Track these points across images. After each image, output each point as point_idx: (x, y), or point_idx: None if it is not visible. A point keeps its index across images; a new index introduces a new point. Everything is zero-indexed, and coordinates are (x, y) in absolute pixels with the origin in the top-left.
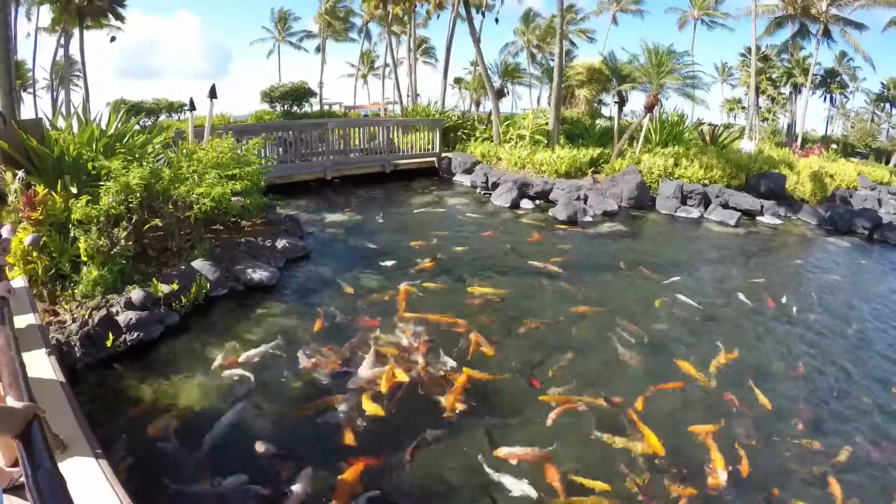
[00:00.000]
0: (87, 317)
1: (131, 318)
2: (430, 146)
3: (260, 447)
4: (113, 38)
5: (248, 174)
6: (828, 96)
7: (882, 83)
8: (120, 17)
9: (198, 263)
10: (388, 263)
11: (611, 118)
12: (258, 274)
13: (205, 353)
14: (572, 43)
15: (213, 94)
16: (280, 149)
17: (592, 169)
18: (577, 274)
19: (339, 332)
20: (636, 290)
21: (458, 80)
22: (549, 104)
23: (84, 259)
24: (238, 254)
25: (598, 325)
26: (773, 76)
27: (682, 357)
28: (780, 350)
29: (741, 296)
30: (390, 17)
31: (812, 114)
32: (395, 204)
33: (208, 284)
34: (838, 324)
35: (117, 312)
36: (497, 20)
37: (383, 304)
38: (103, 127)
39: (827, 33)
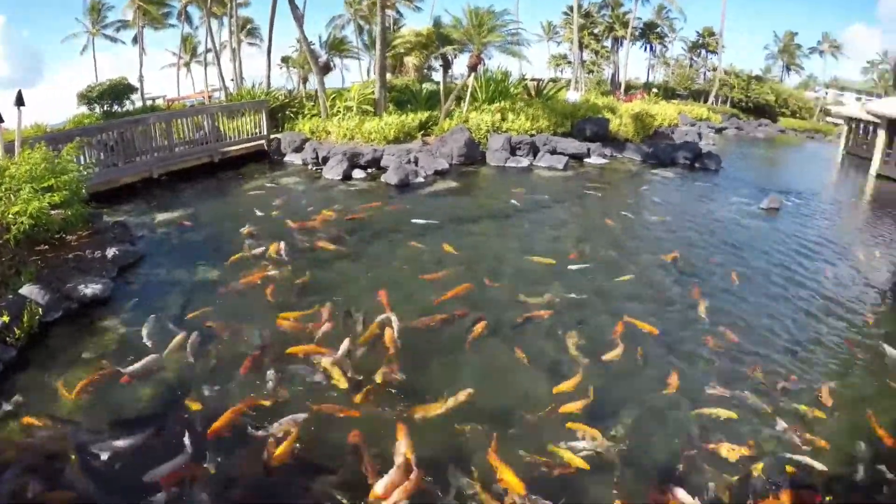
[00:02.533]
0: None
1: None
2: (257, 129)
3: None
4: None
5: (65, 183)
6: (648, 46)
7: (697, 32)
8: None
9: (26, 289)
10: (224, 252)
11: (438, 82)
12: (90, 289)
13: (51, 384)
14: (399, 12)
15: (19, 101)
16: (101, 153)
17: (422, 132)
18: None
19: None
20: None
21: (285, 59)
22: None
23: None
24: (67, 271)
25: None
26: (596, 31)
27: None
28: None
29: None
30: None
31: (635, 63)
32: (226, 193)
33: (41, 310)
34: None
35: None
36: None
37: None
38: None
39: None
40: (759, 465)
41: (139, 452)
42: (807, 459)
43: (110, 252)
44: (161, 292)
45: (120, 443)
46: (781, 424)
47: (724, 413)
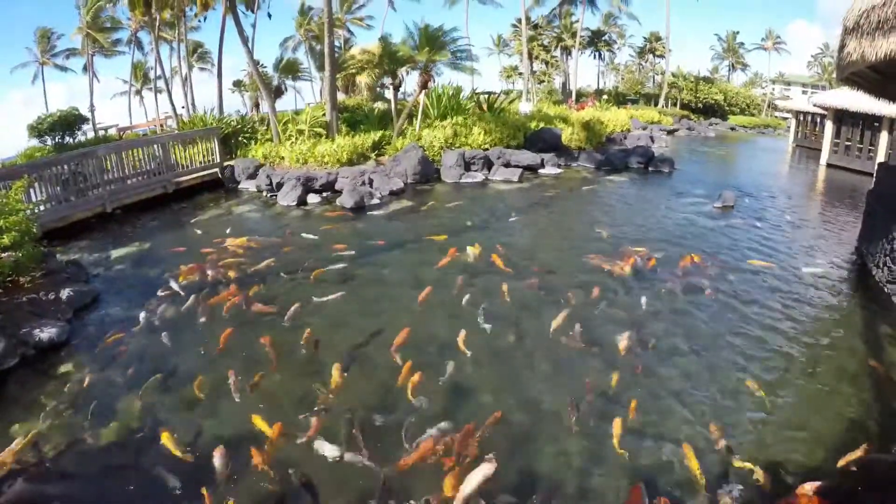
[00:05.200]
0: None
1: None
2: (210, 157)
3: None
4: None
5: (14, 224)
6: (597, 54)
7: (644, 37)
8: None
9: None
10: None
11: (391, 100)
12: (46, 332)
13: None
14: (350, 31)
15: None
16: (58, 188)
17: (376, 152)
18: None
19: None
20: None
21: (237, 84)
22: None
23: None
24: (21, 315)
25: None
26: (545, 42)
27: None
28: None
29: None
30: (157, 22)
31: (586, 70)
32: (181, 225)
33: None
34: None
35: None
36: (269, 15)
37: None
38: None
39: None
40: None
41: None
42: None
43: (64, 293)
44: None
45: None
46: None
47: None
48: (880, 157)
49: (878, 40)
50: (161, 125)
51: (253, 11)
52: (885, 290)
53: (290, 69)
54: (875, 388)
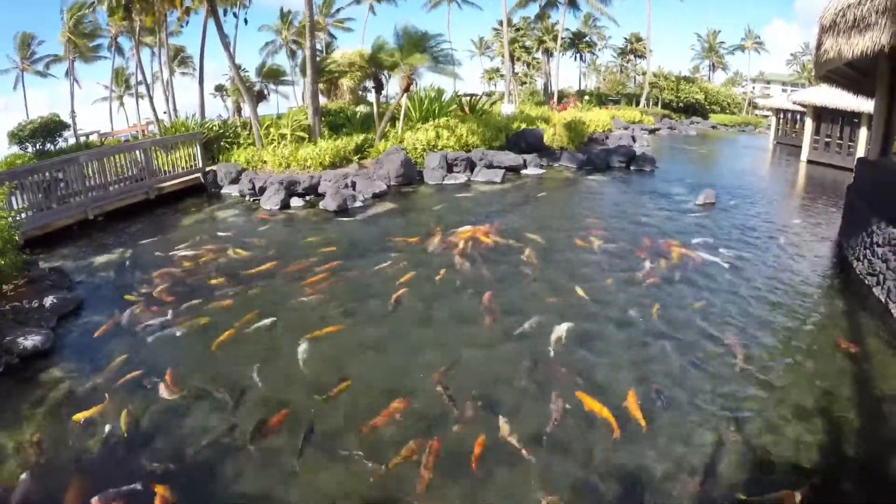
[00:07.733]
0: None
1: None
2: (192, 162)
3: None
4: None
5: None
6: (578, 55)
7: (625, 38)
8: None
9: None
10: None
11: (373, 103)
12: (30, 340)
13: None
14: (331, 35)
15: None
16: (39, 195)
17: (359, 155)
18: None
19: None
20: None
21: (219, 88)
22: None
23: None
24: (5, 323)
25: None
26: (527, 44)
27: None
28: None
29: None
30: (138, 28)
31: (568, 71)
32: (164, 231)
33: None
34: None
35: None
36: (246, 21)
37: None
38: None
39: (572, 2)
40: None
41: None
42: None
43: (48, 301)
44: (102, 340)
45: None
46: None
47: None
48: (860, 152)
49: (854, 38)
50: (143, 131)
51: (235, 16)
52: (866, 282)
53: (273, 74)
54: (847, 367)
